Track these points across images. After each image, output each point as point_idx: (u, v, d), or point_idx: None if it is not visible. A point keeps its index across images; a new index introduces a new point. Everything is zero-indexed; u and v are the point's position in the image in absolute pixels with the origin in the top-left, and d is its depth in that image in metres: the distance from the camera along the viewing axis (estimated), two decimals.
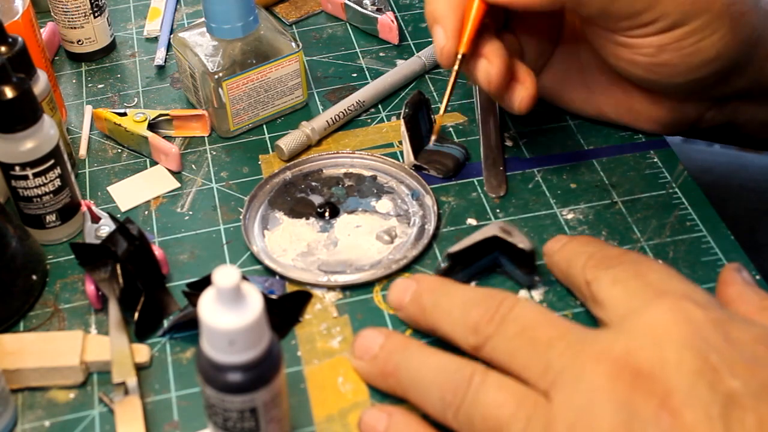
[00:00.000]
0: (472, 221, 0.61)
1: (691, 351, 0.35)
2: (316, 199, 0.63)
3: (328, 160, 0.66)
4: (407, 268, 0.58)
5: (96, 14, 0.75)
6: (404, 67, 0.73)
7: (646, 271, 0.43)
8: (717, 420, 0.33)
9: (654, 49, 0.54)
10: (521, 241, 0.53)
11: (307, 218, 0.62)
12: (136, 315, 0.54)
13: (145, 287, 0.55)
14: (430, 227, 0.60)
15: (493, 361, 0.43)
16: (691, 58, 0.54)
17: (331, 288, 0.57)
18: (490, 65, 0.54)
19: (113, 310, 0.54)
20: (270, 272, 0.58)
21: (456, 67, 0.56)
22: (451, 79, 0.57)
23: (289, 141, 0.66)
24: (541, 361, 0.39)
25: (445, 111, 0.58)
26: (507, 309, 0.43)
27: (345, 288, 0.57)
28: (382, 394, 0.51)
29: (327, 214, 0.61)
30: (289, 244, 0.60)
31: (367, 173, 0.65)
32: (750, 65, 0.57)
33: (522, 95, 0.56)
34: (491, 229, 0.54)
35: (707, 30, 0.53)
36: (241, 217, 0.61)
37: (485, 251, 0.55)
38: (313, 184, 0.64)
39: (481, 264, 0.56)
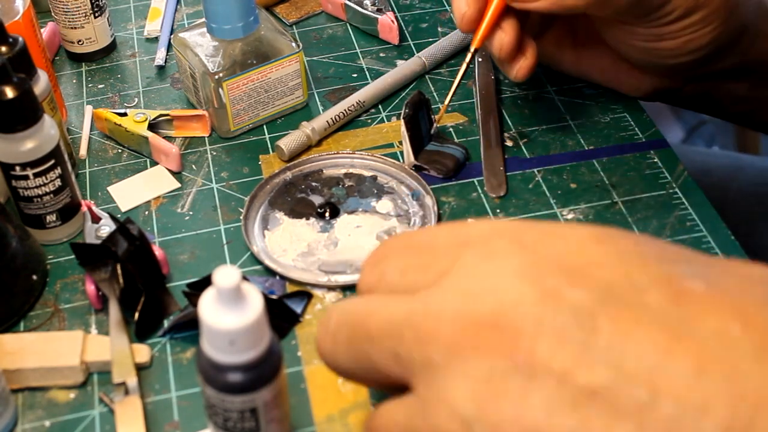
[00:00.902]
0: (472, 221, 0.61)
1: (524, 282, 0.33)
2: (317, 200, 0.63)
3: (328, 161, 0.66)
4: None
5: (96, 14, 0.75)
6: (404, 68, 0.73)
7: (417, 243, 0.38)
8: (573, 337, 0.31)
9: (655, 37, 0.60)
10: None
11: (308, 218, 0.62)
12: (137, 315, 0.54)
13: (145, 287, 0.55)
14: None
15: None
16: (686, 45, 0.60)
17: (331, 288, 0.57)
18: (504, 35, 0.60)
19: (113, 310, 0.54)
20: (270, 272, 0.58)
21: (472, 49, 0.62)
22: (462, 67, 0.62)
23: (289, 141, 0.66)
24: (384, 360, 0.36)
25: (449, 104, 0.65)
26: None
27: (345, 288, 0.57)
28: (382, 395, 0.51)
29: (327, 214, 0.62)
30: (290, 244, 0.60)
31: (368, 173, 0.65)
32: (732, 51, 0.62)
33: (522, 65, 0.61)
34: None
35: (705, 22, 0.58)
36: (241, 217, 0.61)
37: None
38: (314, 184, 0.64)
39: None
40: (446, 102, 0.64)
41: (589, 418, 0.30)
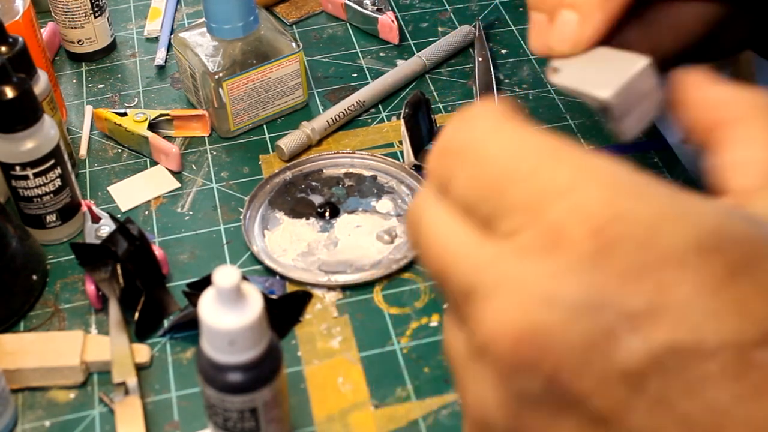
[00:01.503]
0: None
1: (580, 310, 0.27)
2: (317, 199, 0.63)
3: (328, 160, 0.66)
4: (407, 267, 0.58)
5: (96, 14, 0.75)
6: (404, 67, 0.73)
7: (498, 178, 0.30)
8: (617, 396, 0.27)
9: None
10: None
11: (308, 218, 0.62)
12: (137, 315, 0.54)
13: (145, 287, 0.55)
14: None
15: None
16: None
17: (331, 288, 0.57)
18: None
19: (113, 310, 0.54)
20: (270, 272, 0.58)
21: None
22: None
23: (289, 141, 0.66)
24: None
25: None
26: None
27: (345, 288, 0.57)
28: (383, 395, 0.51)
29: (327, 214, 0.62)
30: (290, 244, 0.60)
31: (368, 173, 0.65)
32: None
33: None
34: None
35: None
36: (241, 217, 0.61)
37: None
38: (314, 184, 0.64)
39: None
40: None
41: None
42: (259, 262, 0.59)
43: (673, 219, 0.27)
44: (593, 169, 0.29)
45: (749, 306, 0.26)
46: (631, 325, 0.27)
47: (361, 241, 0.60)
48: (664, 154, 0.65)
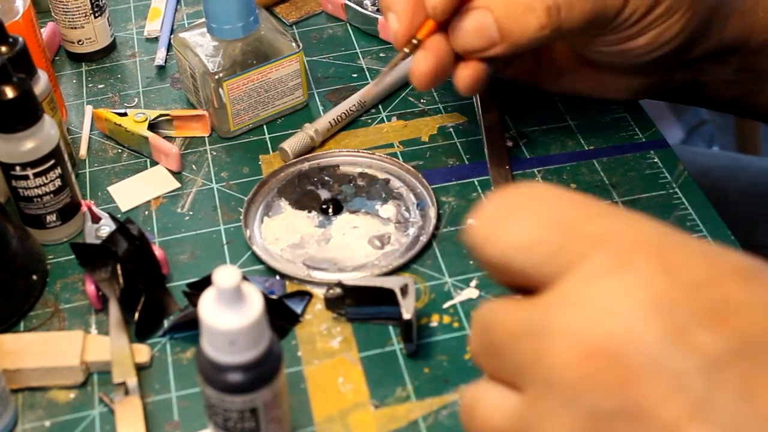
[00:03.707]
0: (472, 221, 0.61)
1: (652, 313, 0.29)
2: (324, 194, 0.63)
3: (347, 158, 0.65)
4: (389, 275, 0.57)
5: (96, 14, 0.75)
6: (405, 67, 0.73)
7: (562, 213, 0.34)
8: (694, 387, 0.27)
9: (623, 39, 0.57)
10: (406, 309, 0.51)
11: (309, 211, 0.62)
12: (137, 315, 0.54)
13: (145, 287, 0.55)
14: (425, 239, 0.59)
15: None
16: (656, 39, 0.57)
17: (310, 283, 0.57)
18: (424, 59, 0.55)
19: (113, 310, 0.54)
20: (257, 259, 0.58)
21: (407, 50, 0.56)
22: (396, 59, 0.57)
23: (293, 143, 0.66)
24: (509, 369, 0.34)
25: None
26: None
27: (324, 285, 0.57)
28: (383, 395, 0.51)
29: (330, 210, 0.62)
30: (284, 233, 0.60)
31: (382, 176, 0.64)
32: (707, 35, 0.59)
33: (462, 74, 0.56)
34: (397, 281, 0.52)
35: (669, 13, 0.55)
36: (245, 199, 0.61)
37: (387, 299, 0.52)
38: (326, 178, 0.64)
39: (379, 310, 0.54)
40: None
41: None
42: (249, 247, 0.59)
43: (721, 249, 0.31)
44: (636, 217, 0.33)
45: None
46: (703, 322, 0.28)
47: (353, 242, 0.60)
48: (664, 154, 0.65)
